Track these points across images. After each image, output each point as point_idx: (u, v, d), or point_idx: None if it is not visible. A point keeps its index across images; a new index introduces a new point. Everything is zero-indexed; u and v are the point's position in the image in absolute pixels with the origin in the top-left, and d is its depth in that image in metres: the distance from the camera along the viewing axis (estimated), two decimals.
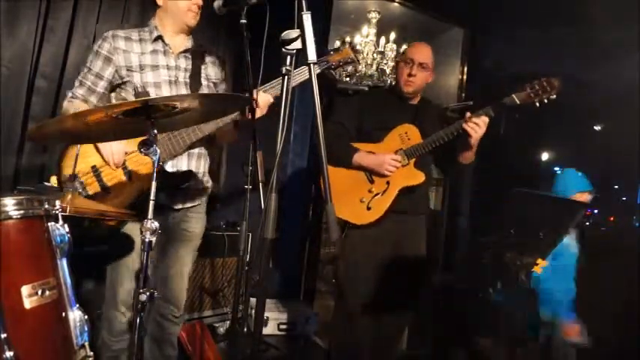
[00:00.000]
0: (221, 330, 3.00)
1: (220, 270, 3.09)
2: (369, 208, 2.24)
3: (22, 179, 2.40)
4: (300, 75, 1.80)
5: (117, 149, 1.76)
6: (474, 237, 3.85)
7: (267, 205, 1.20)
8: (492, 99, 2.19)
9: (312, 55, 1.21)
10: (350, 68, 4.51)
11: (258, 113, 1.77)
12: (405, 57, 2.35)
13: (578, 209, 2.53)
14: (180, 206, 1.94)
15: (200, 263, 2.96)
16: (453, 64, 4.12)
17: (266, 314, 3.06)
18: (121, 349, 1.89)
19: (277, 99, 1.85)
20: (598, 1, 3.06)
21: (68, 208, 1.32)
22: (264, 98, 1.82)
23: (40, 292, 1.20)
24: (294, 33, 1.23)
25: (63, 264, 1.30)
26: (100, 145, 1.77)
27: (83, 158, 1.74)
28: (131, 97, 1.84)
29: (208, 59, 2.03)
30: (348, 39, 4.46)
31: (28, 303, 1.17)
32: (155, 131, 1.35)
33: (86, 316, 1.32)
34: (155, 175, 1.35)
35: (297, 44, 1.24)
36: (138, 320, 1.32)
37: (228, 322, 3.01)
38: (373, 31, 4.46)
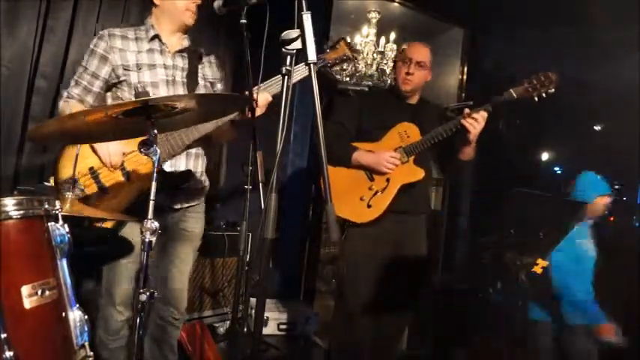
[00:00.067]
0: (221, 330, 3.00)
1: (220, 270, 3.09)
2: (369, 206, 2.24)
3: (22, 179, 2.40)
4: (297, 73, 1.80)
5: (114, 150, 1.75)
6: (474, 237, 3.85)
7: (267, 205, 1.20)
8: None
9: (312, 55, 1.21)
10: (350, 67, 4.51)
11: (258, 112, 1.77)
12: (403, 56, 2.37)
13: (578, 209, 2.54)
14: (178, 206, 1.94)
15: (200, 263, 2.96)
16: (453, 64, 4.12)
17: (266, 314, 3.06)
18: (117, 347, 1.89)
19: (276, 98, 1.85)
20: (598, 1, 3.06)
21: (65, 210, 1.32)
22: (263, 97, 1.82)
23: (40, 292, 1.20)
24: (294, 33, 1.23)
25: (63, 264, 1.30)
26: (97, 147, 1.76)
27: (80, 160, 1.72)
28: (127, 97, 1.83)
29: (205, 58, 2.03)
30: (348, 39, 4.46)
31: (28, 303, 1.17)
32: (155, 131, 1.34)
33: (86, 316, 1.32)
34: (155, 175, 1.35)
35: (297, 44, 1.24)
36: (138, 320, 1.32)
37: (228, 322, 3.01)
38: (373, 31, 4.45)
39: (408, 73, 2.31)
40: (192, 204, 1.99)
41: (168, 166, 1.86)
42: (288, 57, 1.26)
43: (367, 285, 2.27)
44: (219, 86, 2.06)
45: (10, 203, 1.20)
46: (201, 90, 1.95)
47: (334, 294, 3.19)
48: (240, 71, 3.16)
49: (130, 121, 1.32)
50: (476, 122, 2.12)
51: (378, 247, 2.27)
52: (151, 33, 1.88)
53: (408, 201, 2.27)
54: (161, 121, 1.38)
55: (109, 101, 1.90)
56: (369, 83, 4.69)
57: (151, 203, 1.33)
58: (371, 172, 2.28)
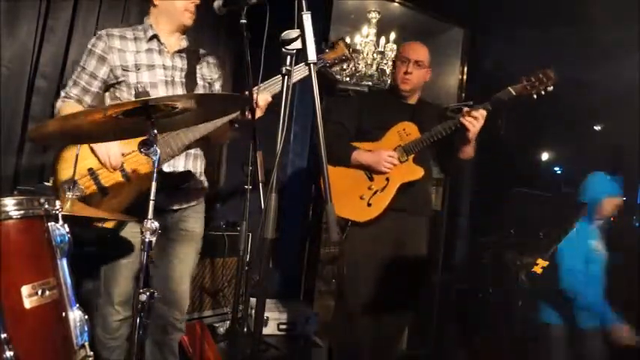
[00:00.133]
0: (221, 330, 2.99)
1: (220, 270, 3.08)
2: (369, 205, 2.25)
3: (22, 179, 2.39)
4: (297, 73, 1.80)
5: (114, 152, 1.75)
6: (474, 237, 3.85)
7: (267, 205, 1.20)
8: None
9: (312, 55, 1.21)
10: (350, 67, 4.51)
11: (258, 113, 1.77)
12: (401, 56, 2.38)
13: (579, 209, 2.54)
14: (177, 207, 1.94)
15: (200, 263, 2.95)
16: (453, 64, 4.12)
17: (266, 314, 3.06)
18: (115, 346, 1.89)
19: (276, 98, 1.85)
20: (598, 1, 3.06)
21: (66, 209, 1.32)
22: (262, 98, 1.82)
23: (40, 292, 1.20)
24: (294, 33, 1.23)
25: (63, 264, 1.30)
26: (96, 148, 1.75)
27: (79, 161, 1.71)
28: (126, 97, 1.82)
29: (203, 59, 2.02)
30: (348, 40, 4.46)
31: (28, 303, 1.17)
32: (155, 131, 1.35)
33: (86, 316, 1.32)
34: (155, 174, 1.35)
35: (297, 44, 1.24)
36: (138, 320, 1.32)
37: (228, 322, 3.01)
38: (373, 31, 4.45)
39: (406, 73, 2.32)
40: (192, 204, 1.99)
41: (166, 167, 1.85)
42: (288, 57, 1.26)
43: (367, 285, 2.27)
44: (217, 86, 2.06)
45: (10, 203, 1.20)
46: (200, 90, 1.95)
47: (334, 294, 3.19)
48: (240, 71, 3.15)
49: (130, 121, 1.32)
50: (475, 120, 2.12)
51: (378, 247, 2.28)
52: (150, 33, 1.88)
53: (408, 200, 2.28)
54: (161, 121, 1.38)
55: (108, 101, 1.89)
56: (369, 83, 4.68)
57: (151, 203, 1.33)
58: (370, 171, 2.29)
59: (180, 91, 1.89)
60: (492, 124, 2.21)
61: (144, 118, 1.32)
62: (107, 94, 1.89)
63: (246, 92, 1.58)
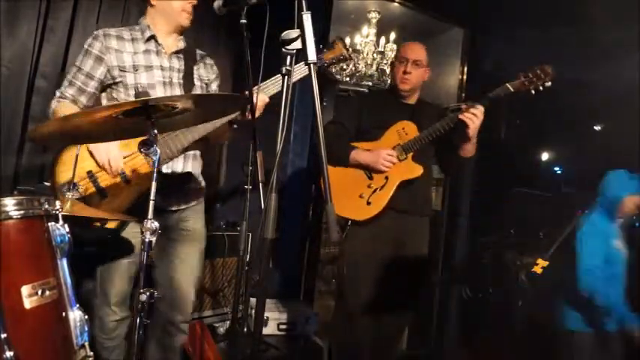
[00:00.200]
0: (221, 330, 2.99)
1: (220, 270, 3.08)
2: (368, 203, 2.25)
3: (22, 179, 2.39)
4: (296, 73, 1.79)
5: (114, 155, 1.73)
6: (474, 237, 3.85)
7: (267, 205, 1.20)
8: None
9: (312, 55, 1.21)
10: (350, 67, 4.51)
11: (256, 113, 1.77)
12: (400, 56, 2.39)
13: (578, 209, 2.53)
14: (176, 208, 1.94)
15: None
16: (453, 64, 4.12)
17: (266, 314, 3.06)
18: (113, 346, 1.89)
19: (274, 98, 1.85)
20: (598, 1, 3.06)
21: (66, 209, 1.32)
22: (260, 99, 1.81)
23: (40, 292, 1.20)
24: (294, 33, 1.23)
25: (63, 264, 1.30)
26: (94, 151, 1.74)
27: (78, 163, 1.72)
28: (123, 98, 1.82)
29: (200, 59, 2.02)
30: (348, 40, 4.46)
31: (28, 303, 1.17)
32: (155, 131, 1.35)
33: (86, 316, 1.32)
34: (155, 175, 1.35)
35: (297, 44, 1.24)
36: (137, 320, 1.32)
37: (228, 322, 3.01)
38: (373, 31, 4.45)
39: (405, 72, 2.33)
40: (191, 205, 1.98)
41: (165, 168, 1.85)
42: (288, 57, 1.26)
43: (367, 285, 2.27)
44: (214, 87, 2.06)
45: (10, 203, 1.20)
46: (197, 91, 1.94)
47: (334, 294, 3.19)
48: (240, 71, 3.16)
49: (130, 121, 1.32)
50: (474, 116, 2.12)
51: (378, 247, 2.28)
52: (147, 34, 1.87)
53: (408, 199, 2.28)
54: (160, 121, 1.38)
55: (104, 102, 1.88)
56: (369, 83, 4.69)
57: (151, 203, 1.33)
58: (370, 170, 2.29)
59: (178, 91, 1.89)
60: (493, 125, 2.21)
61: (144, 119, 1.32)
62: (103, 94, 1.88)
63: (246, 92, 1.58)
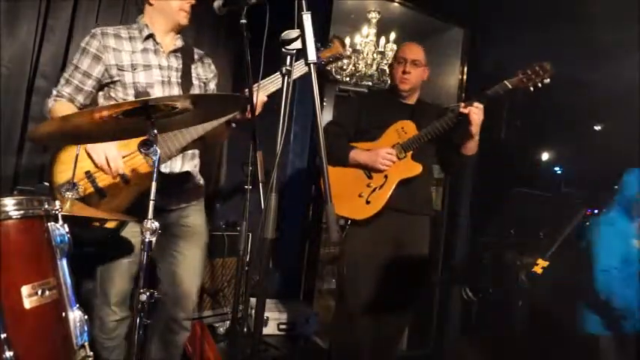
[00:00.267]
0: (221, 330, 3.00)
1: (220, 270, 3.09)
2: (368, 202, 2.25)
3: (22, 179, 2.39)
4: (295, 71, 1.79)
5: (112, 156, 1.72)
6: (474, 237, 3.85)
7: (267, 205, 1.20)
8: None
9: (312, 55, 1.21)
10: (350, 67, 4.51)
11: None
12: (398, 57, 2.41)
13: (579, 209, 2.52)
14: (176, 207, 1.94)
15: None
16: (453, 64, 4.12)
17: (266, 314, 3.06)
18: (113, 346, 1.89)
19: (273, 97, 1.85)
20: (598, 1, 3.06)
21: (66, 209, 1.32)
22: (258, 98, 1.81)
23: (40, 292, 1.20)
24: (294, 33, 1.23)
25: (63, 264, 1.30)
26: (91, 151, 1.73)
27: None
28: (121, 97, 1.81)
29: (197, 58, 2.01)
30: (348, 40, 4.46)
31: (28, 303, 1.17)
32: (155, 131, 1.34)
33: (86, 316, 1.32)
34: (155, 175, 1.34)
35: (297, 44, 1.24)
36: (137, 320, 1.32)
37: (228, 322, 3.01)
38: (373, 31, 4.46)
39: (404, 72, 2.34)
40: (191, 204, 1.98)
41: (163, 168, 1.84)
42: (288, 57, 1.26)
43: (367, 285, 2.27)
44: (212, 86, 2.05)
45: (10, 203, 1.20)
46: (195, 90, 1.94)
47: (334, 294, 3.19)
48: (240, 71, 3.16)
49: (130, 121, 1.32)
50: (477, 109, 2.13)
51: (378, 247, 2.28)
52: (145, 32, 1.87)
53: (407, 198, 2.28)
54: (160, 121, 1.38)
55: (101, 101, 1.88)
56: (369, 83, 4.69)
57: (151, 203, 1.33)
58: (369, 170, 2.29)
59: (176, 91, 1.88)
60: (493, 125, 2.21)
61: (143, 118, 1.32)
62: (101, 93, 1.87)
63: (246, 92, 1.58)
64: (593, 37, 3.22)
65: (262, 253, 1.22)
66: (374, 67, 4.54)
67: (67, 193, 1.53)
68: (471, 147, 2.25)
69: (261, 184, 1.60)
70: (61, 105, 1.80)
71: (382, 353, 2.39)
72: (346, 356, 2.37)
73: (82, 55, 1.81)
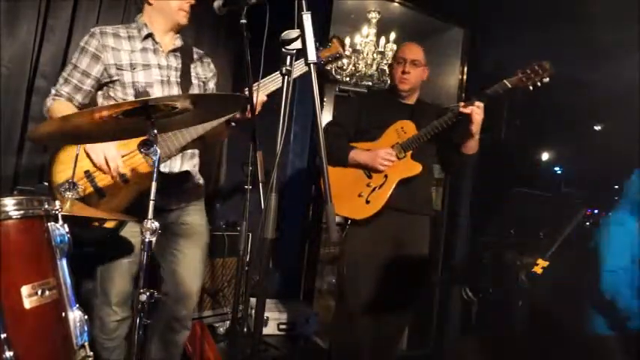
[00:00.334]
0: (221, 330, 3.00)
1: (220, 270, 3.09)
2: (367, 202, 2.26)
3: (22, 179, 2.39)
4: (294, 70, 1.78)
5: (112, 155, 1.71)
6: (474, 237, 3.85)
7: (267, 205, 1.20)
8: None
9: (312, 55, 1.21)
10: (350, 67, 4.51)
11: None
12: (397, 57, 2.41)
13: (579, 209, 2.52)
14: (176, 207, 1.94)
15: None
16: (453, 64, 4.12)
17: (266, 314, 3.06)
18: (114, 346, 1.89)
19: (272, 96, 1.85)
20: (598, 1, 3.06)
21: (66, 209, 1.32)
22: (258, 97, 1.81)
23: (40, 292, 1.20)
24: (294, 33, 1.23)
25: (63, 264, 1.30)
26: (90, 150, 1.73)
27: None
28: (120, 96, 1.81)
29: (197, 57, 2.01)
30: (348, 40, 4.46)
31: (28, 303, 1.17)
32: (155, 131, 1.34)
33: (86, 316, 1.32)
34: (155, 175, 1.34)
35: (297, 44, 1.24)
36: (137, 320, 1.32)
37: (228, 322, 3.01)
38: (373, 31, 4.45)
39: (404, 72, 2.34)
40: (191, 203, 1.98)
41: (163, 167, 1.84)
42: (288, 57, 1.26)
43: (367, 284, 2.27)
44: (211, 85, 2.05)
45: (10, 203, 1.20)
46: (195, 89, 1.94)
47: (334, 294, 3.19)
48: (240, 71, 3.16)
49: (130, 121, 1.32)
50: (478, 109, 2.13)
51: (378, 247, 2.28)
52: (144, 32, 1.86)
53: (407, 198, 2.28)
54: (160, 121, 1.38)
55: (100, 100, 1.88)
56: (369, 83, 4.69)
57: (151, 203, 1.33)
58: (368, 170, 2.29)
59: (175, 90, 1.88)
60: (493, 124, 2.21)
61: (143, 118, 1.32)
62: (100, 92, 1.87)
63: (246, 91, 1.58)
64: (593, 37, 3.22)
65: (262, 253, 1.22)
66: (374, 67, 4.53)
67: (67, 193, 1.53)
68: (472, 146, 2.25)
69: (261, 184, 1.60)
70: (60, 104, 1.79)
71: (382, 353, 2.39)
72: (346, 356, 2.37)
73: (80, 54, 1.81)
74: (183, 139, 1.82)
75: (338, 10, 3.92)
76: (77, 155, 1.61)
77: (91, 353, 1.34)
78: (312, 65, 1.21)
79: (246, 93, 1.55)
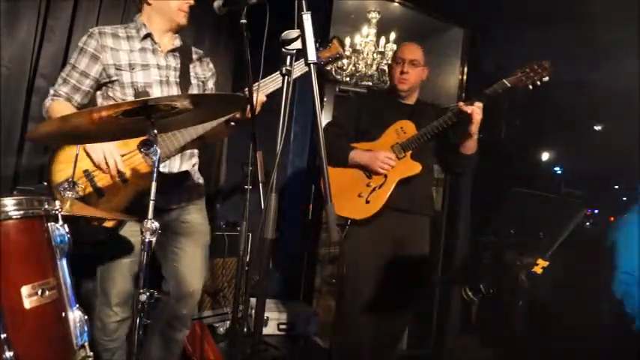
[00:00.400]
0: (221, 330, 3.00)
1: (220, 270, 3.09)
2: (367, 202, 2.26)
3: (22, 179, 2.39)
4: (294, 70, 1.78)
5: (110, 152, 1.71)
6: (474, 237, 3.85)
7: (267, 205, 1.20)
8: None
9: (312, 55, 1.21)
10: (350, 67, 4.51)
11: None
12: (396, 57, 2.41)
13: (579, 209, 2.51)
14: (176, 206, 1.94)
15: None
16: (453, 64, 4.12)
17: (266, 314, 3.06)
18: (116, 347, 1.89)
19: (272, 96, 1.85)
20: (598, 1, 3.06)
21: (66, 210, 1.32)
22: (258, 97, 1.81)
23: (40, 292, 1.20)
24: (294, 33, 1.23)
25: (63, 264, 1.30)
26: (89, 150, 1.73)
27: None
28: (119, 96, 1.81)
29: (195, 57, 2.01)
30: (348, 40, 4.46)
31: (28, 303, 1.17)
32: (155, 131, 1.34)
33: (86, 316, 1.32)
34: (155, 175, 1.34)
35: (297, 44, 1.24)
36: (137, 320, 1.32)
37: (228, 322, 3.01)
38: (373, 31, 4.45)
39: (402, 72, 2.34)
40: (192, 203, 1.98)
41: (162, 167, 1.83)
42: (288, 57, 1.26)
43: (367, 284, 2.27)
44: (210, 84, 2.05)
45: (10, 203, 1.20)
46: (194, 89, 1.94)
47: (334, 294, 3.19)
48: (240, 71, 3.16)
49: (130, 121, 1.32)
50: (478, 108, 2.13)
51: (378, 246, 2.28)
52: (143, 32, 1.86)
53: (407, 198, 2.28)
54: (160, 121, 1.38)
55: (99, 100, 1.87)
56: (369, 83, 4.69)
57: (151, 203, 1.33)
58: (368, 171, 2.30)
59: (175, 90, 1.88)
60: (493, 124, 2.22)
61: (143, 118, 1.32)
62: (99, 92, 1.87)
63: (246, 92, 1.58)
64: (593, 37, 3.22)
65: (262, 253, 1.22)
66: (374, 67, 4.53)
67: (67, 192, 1.53)
68: (470, 146, 2.25)
69: (261, 184, 1.60)
70: (59, 104, 1.80)
71: (382, 353, 2.39)
72: (346, 356, 2.37)
73: (79, 54, 1.81)
74: (182, 139, 1.82)
75: (338, 10, 3.92)
76: (77, 155, 1.61)
77: (91, 353, 1.33)
78: (312, 65, 1.21)
79: (246, 93, 1.54)
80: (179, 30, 1.94)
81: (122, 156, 1.76)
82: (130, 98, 1.80)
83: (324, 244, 4.25)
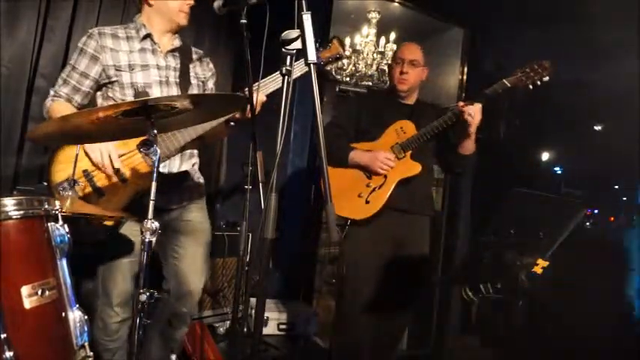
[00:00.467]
0: (221, 330, 3.00)
1: (220, 270, 3.09)
2: (367, 202, 2.26)
3: (22, 179, 2.39)
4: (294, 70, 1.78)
5: (108, 149, 1.71)
6: (474, 237, 3.85)
7: (267, 205, 1.21)
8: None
9: (312, 55, 1.21)
10: (350, 67, 4.51)
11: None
12: (396, 57, 2.41)
13: (579, 209, 2.51)
14: (177, 206, 1.94)
15: None
16: (453, 64, 4.12)
17: (266, 314, 3.06)
18: (117, 347, 1.89)
19: (272, 96, 1.85)
20: (598, 1, 3.06)
21: (66, 208, 1.32)
22: (258, 97, 1.81)
23: (40, 292, 1.20)
24: (294, 33, 1.24)
25: (63, 264, 1.30)
26: (88, 149, 1.72)
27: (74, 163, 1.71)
28: (119, 97, 1.81)
29: (195, 57, 2.01)
30: (348, 40, 4.46)
31: (28, 303, 1.17)
32: (155, 131, 1.34)
33: (86, 316, 1.32)
34: (155, 175, 1.34)
35: (297, 44, 1.24)
36: (137, 320, 1.32)
37: (228, 322, 3.01)
38: (373, 31, 4.45)
39: (402, 72, 2.34)
40: (193, 202, 1.98)
41: (161, 167, 1.83)
42: (288, 57, 1.26)
43: (367, 284, 2.27)
44: (210, 84, 2.05)
45: (10, 203, 1.20)
46: (194, 90, 1.94)
47: (334, 294, 3.19)
48: (240, 71, 3.16)
49: (129, 121, 1.32)
50: (477, 110, 2.13)
51: (378, 246, 2.28)
52: (143, 32, 1.86)
53: (406, 198, 2.28)
54: (159, 121, 1.38)
55: (99, 101, 1.88)
56: (369, 83, 4.69)
57: (151, 203, 1.33)
58: (368, 171, 2.30)
59: (174, 91, 1.88)
60: (492, 124, 2.22)
61: (143, 119, 1.32)
62: (99, 93, 1.87)
63: (246, 92, 1.58)
64: (593, 37, 3.22)
65: (262, 253, 1.22)
66: (374, 67, 4.53)
67: (66, 192, 1.53)
68: (468, 146, 2.26)
69: (261, 184, 1.60)
70: (59, 105, 1.80)
71: (382, 353, 2.39)
72: (346, 356, 2.37)
73: (79, 55, 1.81)
74: (182, 139, 1.82)
75: (338, 10, 3.92)
76: (77, 155, 1.61)
77: (91, 353, 1.33)
78: (312, 65, 1.22)
79: (246, 93, 1.54)
80: (179, 30, 1.94)
81: (121, 156, 1.75)
82: (130, 98, 1.80)
83: (324, 244, 4.25)
